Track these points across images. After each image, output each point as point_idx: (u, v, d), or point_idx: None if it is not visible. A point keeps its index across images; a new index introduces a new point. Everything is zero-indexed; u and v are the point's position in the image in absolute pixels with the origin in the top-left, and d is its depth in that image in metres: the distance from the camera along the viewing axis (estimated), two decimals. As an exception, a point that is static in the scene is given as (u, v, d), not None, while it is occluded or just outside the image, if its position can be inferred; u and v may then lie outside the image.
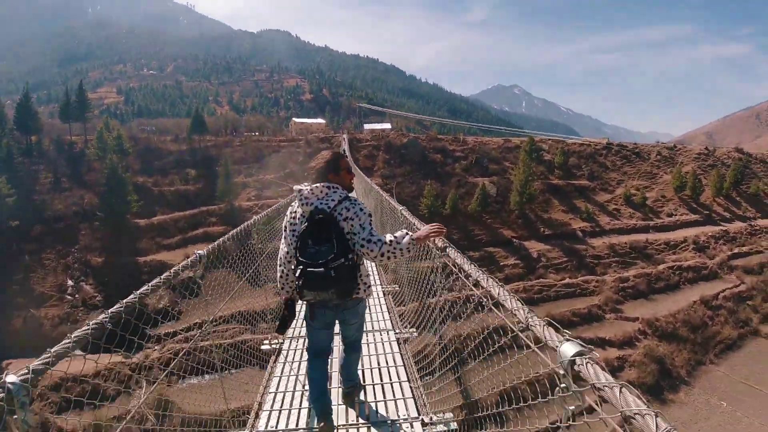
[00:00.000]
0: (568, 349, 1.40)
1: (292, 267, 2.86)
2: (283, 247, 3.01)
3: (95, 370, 17.31)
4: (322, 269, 2.63)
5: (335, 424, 3.25)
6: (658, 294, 33.27)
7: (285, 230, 3.00)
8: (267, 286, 6.08)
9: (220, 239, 4.36)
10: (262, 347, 4.93)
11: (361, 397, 3.75)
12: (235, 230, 4.78)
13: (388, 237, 2.80)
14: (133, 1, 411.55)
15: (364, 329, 3.66)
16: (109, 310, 2.01)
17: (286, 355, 4.73)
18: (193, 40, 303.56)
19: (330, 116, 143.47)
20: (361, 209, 2.84)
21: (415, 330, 5.12)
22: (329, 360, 3.53)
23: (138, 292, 2.29)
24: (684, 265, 36.46)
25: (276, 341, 4.99)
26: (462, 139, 57.34)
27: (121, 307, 2.09)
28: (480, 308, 2.28)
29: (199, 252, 3.59)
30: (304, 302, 3.05)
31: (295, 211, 2.95)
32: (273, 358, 4.78)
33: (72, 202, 40.36)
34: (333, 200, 2.83)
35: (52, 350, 1.64)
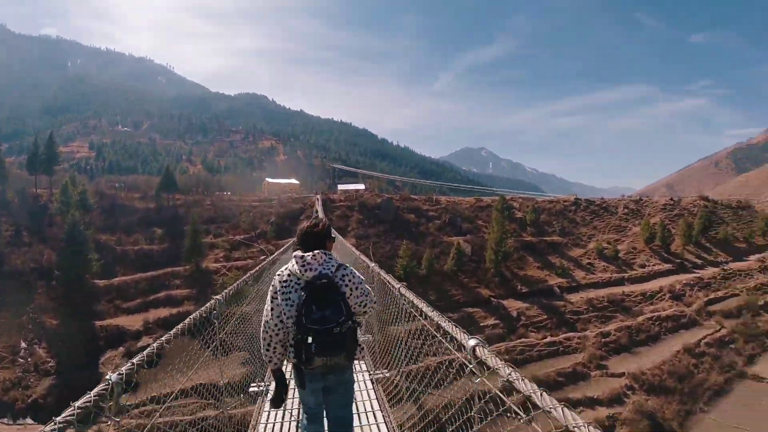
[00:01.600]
0: (471, 341, 2.21)
1: (291, 335, 2.85)
2: (271, 318, 2.91)
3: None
4: (335, 333, 2.65)
5: None
6: (640, 347, 33.13)
7: (274, 299, 2.91)
8: (232, 355, 5.61)
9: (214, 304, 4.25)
10: (250, 389, 5.00)
11: None
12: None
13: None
14: (114, 58, 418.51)
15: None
16: (58, 419, 1.69)
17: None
18: (170, 100, 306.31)
19: (304, 177, 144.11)
20: (361, 279, 3.00)
21: (386, 370, 5.39)
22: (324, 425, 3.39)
23: (93, 393, 2.04)
24: (663, 314, 36.66)
25: (263, 384, 5.07)
26: (435, 199, 57.94)
27: (73, 411, 1.78)
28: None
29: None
30: (293, 369, 3.00)
31: (288, 279, 2.91)
32: (260, 399, 4.87)
33: (30, 258, 38.27)
34: (332, 266, 2.88)
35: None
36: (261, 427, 4.08)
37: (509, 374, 1.73)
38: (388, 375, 5.26)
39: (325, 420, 3.28)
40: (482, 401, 2.16)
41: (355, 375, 4.94)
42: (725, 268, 46.93)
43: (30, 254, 38.63)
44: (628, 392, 27.40)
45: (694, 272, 45.94)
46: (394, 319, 4.82)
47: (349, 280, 2.90)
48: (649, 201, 65.19)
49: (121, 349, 31.56)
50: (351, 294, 2.87)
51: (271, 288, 2.95)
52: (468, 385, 2.05)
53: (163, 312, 34.84)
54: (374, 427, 4.10)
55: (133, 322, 33.79)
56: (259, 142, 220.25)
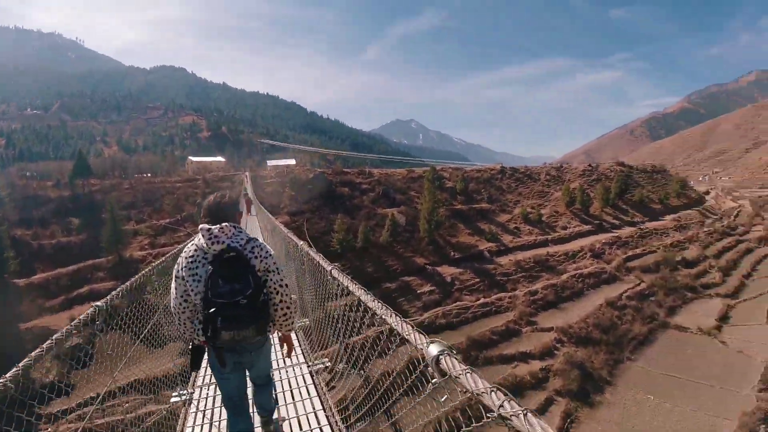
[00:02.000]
0: (433, 349, 1.67)
1: (195, 311, 2.80)
2: (175, 296, 2.84)
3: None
4: (242, 305, 2.60)
5: None
6: (566, 302, 35.06)
7: (179, 276, 2.81)
8: (168, 345, 5.48)
9: (113, 293, 3.99)
10: (171, 400, 4.58)
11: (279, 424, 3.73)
12: (127, 283, 4.33)
13: (294, 297, 3.06)
14: (22, 36, 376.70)
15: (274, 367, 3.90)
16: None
17: (197, 404, 4.50)
18: (81, 77, 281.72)
19: (230, 154, 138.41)
20: (271, 253, 2.90)
21: (327, 359, 5.14)
22: (251, 413, 3.43)
23: (21, 364, 2.16)
24: (585, 272, 39.12)
25: (185, 392, 4.70)
26: (368, 172, 57.87)
27: (5, 381, 1.88)
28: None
29: (96, 304, 3.43)
30: (211, 349, 2.89)
31: (194, 253, 2.81)
32: (184, 409, 4.51)
33: None
34: (242, 239, 2.81)
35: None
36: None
37: (484, 389, 1.38)
38: (328, 364, 5.06)
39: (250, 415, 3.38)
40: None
41: (294, 369, 5.16)
42: (642, 227, 50.90)
43: (-58, 260, 34.06)
44: (558, 345, 29.01)
45: (613, 232, 49.38)
46: (328, 299, 4.61)
47: (258, 253, 2.80)
48: (569, 168, 69.28)
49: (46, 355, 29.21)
50: (260, 267, 2.79)
51: (175, 266, 2.86)
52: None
53: (88, 308, 32.38)
54: (312, 416, 4.03)
55: (57, 321, 31.12)
56: (180, 118, 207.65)
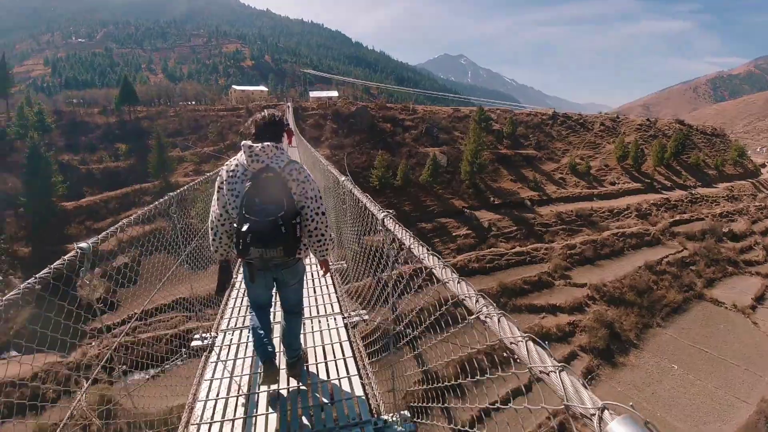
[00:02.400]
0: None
1: (233, 225, 2.82)
2: (216, 208, 2.95)
3: (32, 372, 16.20)
4: (272, 225, 2.64)
5: (279, 367, 3.34)
6: (603, 260, 34.12)
7: (220, 189, 2.90)
8: (210, 268, 5.53)
9: (160, 200, 4.34)
10: (193, 343, 4.55)
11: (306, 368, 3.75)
12: (172, 194, 4.75)
13: (332, 233, 3.07)
14: None
15: (309, 314, 4.02)
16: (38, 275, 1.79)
17: (219, 352, 4.38)
18: (124, 5, 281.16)
19: (273, 84, 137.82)
20: (311, 178, 2.91)
21: (365, 311, 4.90)
22: (272, 312, 3.50)
23: (66, 258, 2.28)
24: (627, 231, 37.68)
25: (207, 335, 4.65)
26: (412, 108, 56.04)
27: (49, 271, 1.92)
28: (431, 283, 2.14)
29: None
30: (244, 263, 3.00)
31: (235, 168, 2.86)
32: (204, 356, 4.41)
33: None
34: (282, 161, 2.82)
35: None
36: (205, 384, 3.74)
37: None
38: (366, 317, 4.80)
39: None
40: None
41: (327, 321, 4.91)
42: (693, 192, 48.06)
43: (-7, 183, 36.21)
44: (589, 302, 28.57)
45: (663, 193, 46.84)
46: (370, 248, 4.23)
47: (296, 176, 2.84)
48: (626, 119, 64.91)
49: (97, 270, 31.24)
50: (296, 191, 2.84)
51: (218, 178, 2.92)
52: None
53: (136, 230, 34.17)
54: (345, 381, 3.70)
55: (106, 242, 33.29)
56: (224, 46, 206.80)
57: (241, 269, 3.24)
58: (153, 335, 19.78)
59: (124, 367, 4.05)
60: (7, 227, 33.32)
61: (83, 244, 2.64)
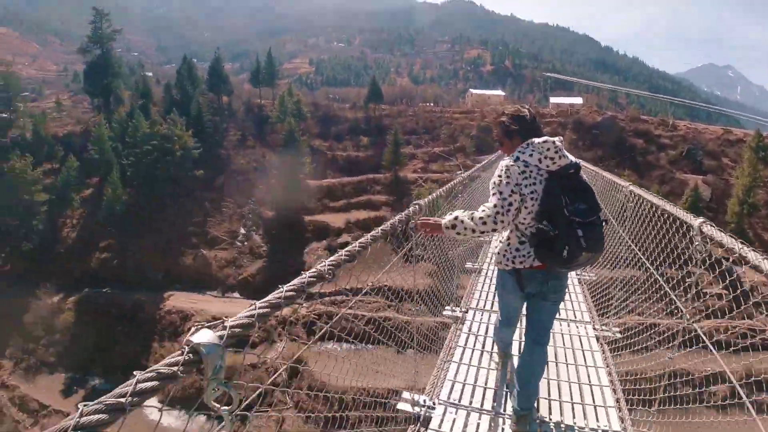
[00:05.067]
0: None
1: (543, 230, 2.45)
2: (507, 207, 2.45)
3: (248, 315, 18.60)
4: (600, 226, 2.45)
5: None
6: None
7: (514, 193, 2.46)
8: (419, 265, 5.04)
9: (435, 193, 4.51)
10: (444, 313, 4.90)
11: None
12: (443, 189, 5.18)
13: None
14: None
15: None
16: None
17: (469, 326, 4.61)
18: (377, 14, 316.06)
19: (511, 88, 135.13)
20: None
21: (618, 330, 4.63)
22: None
23: (357, 243, 2.28)
24: None
25: (457, 309, 4.94)
26: (672, 124, 46.60)
27: (340, 254, 2.06)
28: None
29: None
30: (509, 271, 2.76)
31: (524, 169, 2.51)
32: (454, 326, 4.73)
33: (253, 159, 44.56)
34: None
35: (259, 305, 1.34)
36: (458, 350, 4.05)
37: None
38: (618, 336, 4.52)
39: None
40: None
41: (577, 327, 4.76)
42: None
43: (253, 156, 44.84)
44: None
45: None
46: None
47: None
48: None
49: (324, 242, 35.52)
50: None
51: (504, 175, 2.48)
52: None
53: (363, 214, 37.61)
54: (596, 389, 3.56)
55: (336, 220, 37.16)
56: (466, 52, 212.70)
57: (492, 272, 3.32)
58: (354, 313, 20.04)
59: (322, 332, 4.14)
60: (258, 192, 40.11)
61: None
